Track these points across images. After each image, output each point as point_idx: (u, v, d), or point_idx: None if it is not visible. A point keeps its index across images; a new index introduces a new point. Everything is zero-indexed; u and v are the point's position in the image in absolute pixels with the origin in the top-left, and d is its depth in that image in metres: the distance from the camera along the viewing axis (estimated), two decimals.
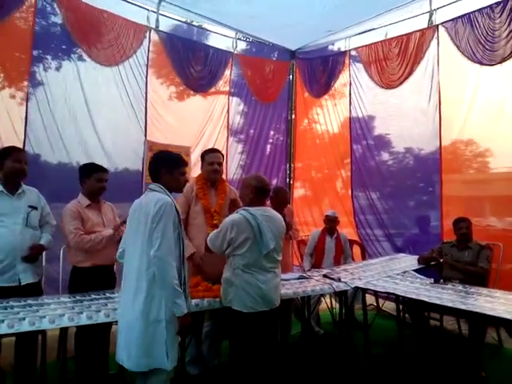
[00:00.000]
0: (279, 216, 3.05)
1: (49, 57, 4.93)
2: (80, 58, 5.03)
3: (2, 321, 2.35)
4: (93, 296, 3.03)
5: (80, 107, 4.94)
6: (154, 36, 5.61)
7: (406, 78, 5.67)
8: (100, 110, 5.06)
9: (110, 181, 3.57)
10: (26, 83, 4.75)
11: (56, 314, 2.56)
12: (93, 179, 3.41)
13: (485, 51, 4.88)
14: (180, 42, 5.86)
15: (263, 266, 2.79)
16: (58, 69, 4.98)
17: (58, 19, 4.87)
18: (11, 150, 3.16)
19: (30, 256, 3.11)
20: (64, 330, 3.47)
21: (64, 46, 5.02)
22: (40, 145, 4.68)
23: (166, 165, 2.55)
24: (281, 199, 4.19)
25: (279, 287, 3.00)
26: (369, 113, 6.28)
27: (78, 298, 2.98)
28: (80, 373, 3.20)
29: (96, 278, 3.30)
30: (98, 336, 3.24)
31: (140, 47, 5.43)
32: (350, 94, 6.46)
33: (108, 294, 3.12)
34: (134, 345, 2.32)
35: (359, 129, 6.37)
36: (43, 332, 3.12)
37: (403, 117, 5.80)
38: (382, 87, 5.99)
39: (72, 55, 5.00)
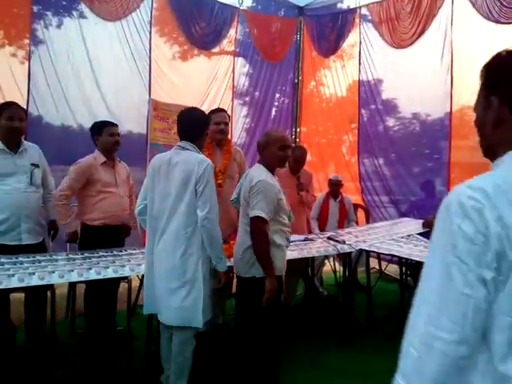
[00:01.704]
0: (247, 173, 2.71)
1: (49, 13, 4.78)
2: (82, 13, 4.87)
3: (13, 275, 2.37)
4: (101, 253, 3.04)
5: (83, 64, 4.84)
6: None
7: (418, 37, 5.50)
8: (103, 67, 4.95)
9: None
10: (26, 41, 4.63)
11: (65, 269, 2.58)
12: (105, 135, 3.34)
13: (502, 8, 4.70)
14: None
15: None
16: (59, 26, 4.84)
17: None
18: (4, 107, 3.03)
19: (54, 236, 3.41)
20: (73, 288, 3.56)
21: (64, 2, 4.87)
22: (44, 104, 4.61)
23: (207, 126, 2.61)
24: (297, 156, 4.16)
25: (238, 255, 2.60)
26: (378, 73, 6.13)
27: (86, 254, 3.00)
28: (89, 329, 3.27)
29: (106, 236, 3.30)
30: (107, 294, 3.28)
31: (143, 1, 5.24)
32: (359, 54, 6.29)
33: (116, 252, 3.14)
34: (172, 300, 2.39)
35: (368, 92, 6.25)
36: (52, 289, 3.20)
37: (414, 78, 5.66)
38: (393, 46, 5.82)
39: (73, 11, 4.85)
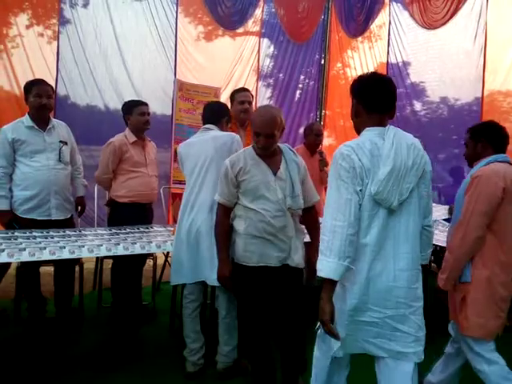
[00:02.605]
0: None
1: None
2: None
3: (44, 248, 2.44)
4: (128, 230, 3.11)
5: (110, 43, 4.88)
6: None
7: (451, 17, 5.32)
8: (130, 46, 4.98)
9: None
10: (54, 21, 4.67)
11: (94, 244, 2.64)
12: (135, 114, 3.33)
13: None
14: None
15: None
16: (86, 4, 4.85)
17: None
18: (32, 85, 3.07)
19: (81, 212, 3.48)
20: (100, 263, 3.65)
21: None
22: (72, 83, 4.68)
23: (227, 113, 2.84)
24: (314, 133, 4.10)
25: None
26: (408, 55, 5.98)
27: (114, 230, 3.07)
28: (116, 303, 3.35)
29: (133, 213, 3.33)
30: (133, 269, 3.35)
31: None
32: (388, 35, 6.14)
33: (142, 229, 3.19)
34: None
35: (397, 74, 6.09)
36: (80, 263, 3.29)
37: (444, 60, 5.50)
38: (424, 27, 5.65)
39: None
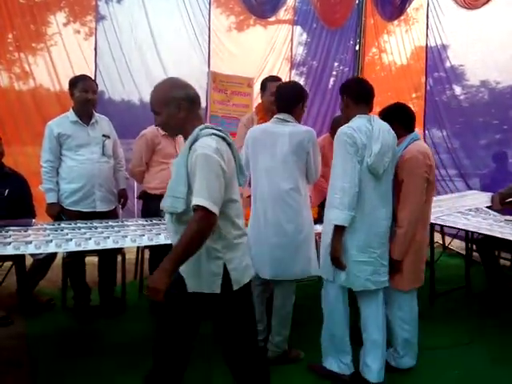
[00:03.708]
0: None
1: None
2: None
3: (89, 238, 2.53)
4: None
5: (145, 37, 4.95)
6: None
7: None
8: (164, 39, 5.03)
9: None
10: (89, 17, 4.78)
11: (136, 234, 2.72)
12: None
13: None
14: None
15: None
16: (119, 1, 4.91)
17: None
18: (78, 80, 3.16)
19: (124, 204, 3.55)
20: (141, 254, 3.75)
21: None
22: (110, 78, 4.79)
23: (303, 99, 2.64)
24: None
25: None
26: (448, 37, 5.75)
27: (154, 221, 3.14)
28: None
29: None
30: None
31: None
32: (427, 17, 5.91)
33: None
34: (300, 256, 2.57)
35: (437, 58, 5.88)
36: (122, 253, 3.39)
37: (486, 41, 5.24)
38: (464, 7, 5.40)
39: None
